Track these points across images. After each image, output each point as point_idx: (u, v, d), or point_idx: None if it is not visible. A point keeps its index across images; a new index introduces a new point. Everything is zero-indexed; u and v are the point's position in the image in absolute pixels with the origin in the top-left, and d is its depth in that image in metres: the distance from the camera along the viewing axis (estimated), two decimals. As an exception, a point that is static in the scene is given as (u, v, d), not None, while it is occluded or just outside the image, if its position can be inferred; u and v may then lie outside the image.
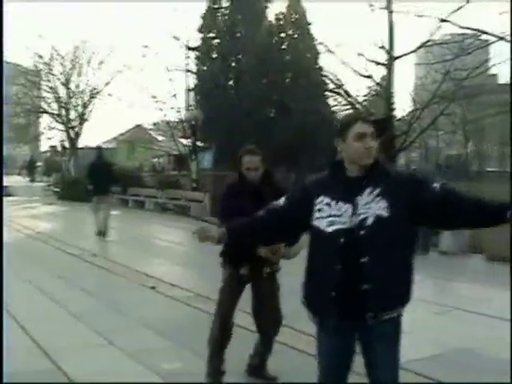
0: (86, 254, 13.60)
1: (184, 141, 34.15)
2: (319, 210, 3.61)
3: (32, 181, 50.97)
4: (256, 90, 30.47)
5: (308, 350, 6.02)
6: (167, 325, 7.73)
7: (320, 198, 3.63)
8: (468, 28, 23.38)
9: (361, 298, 3.47)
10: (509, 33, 18.98)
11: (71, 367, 6.03)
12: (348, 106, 27.80)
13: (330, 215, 3.56)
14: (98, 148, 20.64)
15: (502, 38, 21.16)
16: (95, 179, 17.20)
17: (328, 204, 3.59)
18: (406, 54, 24.14)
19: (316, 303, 3.69)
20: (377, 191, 3.53)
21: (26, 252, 14.11)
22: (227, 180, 5.79)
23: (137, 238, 17.88)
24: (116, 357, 6.52)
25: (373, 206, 3.50)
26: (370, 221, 3.46)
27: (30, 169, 56.49)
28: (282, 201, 3.86)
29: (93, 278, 11.25)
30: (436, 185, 3.56)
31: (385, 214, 3.47)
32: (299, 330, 6.88)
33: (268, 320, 5.50)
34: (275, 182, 5.49)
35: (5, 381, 4.14)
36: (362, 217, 3.48)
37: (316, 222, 3.60)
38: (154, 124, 44.49)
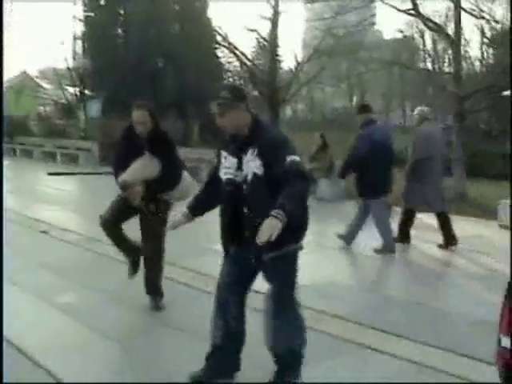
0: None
1: (71, 89, 33.79)
2: (220, 162, 4.40)
3: None
4: (144, 40, 30.41)
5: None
6: (61, 265, 8.27)
7: (222, 153, 4.40)
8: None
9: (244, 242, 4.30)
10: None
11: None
12: (234, 59, 28.30)
13: (225, 167, 4.34)
14: None
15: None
16: None
17: (225, 157, 4.36)
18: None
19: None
20: (255, 151, 4.15)
21: None
22: (120, 132, 6.30)
23: (27, 186, 18.10)
24: (16, 294, 6.99)
25: (251, 164, 4.15)
26: (249, 177, 4.18)
27: None
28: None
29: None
30: (289, 160, 4.03)
31: (259, 172, 4.12)
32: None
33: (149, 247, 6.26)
34: (162, 133, 6.10)
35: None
36: (244, 172, 4.21)
37: (219, 172, 4.40)
38: (40, 71, 43.62)
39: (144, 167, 5.85)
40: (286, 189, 3.92)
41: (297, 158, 4.07)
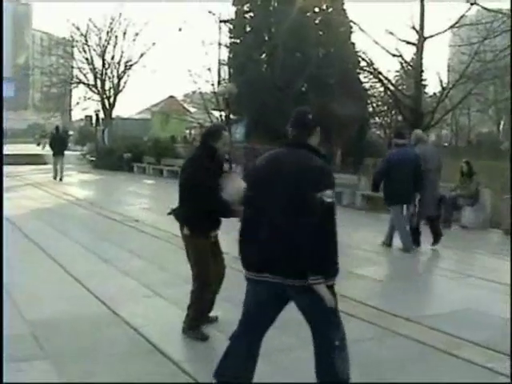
0: (128, 219, 14.47)
1: (217, 113, 34.70)
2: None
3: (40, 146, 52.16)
4: (288, 64, 30.75)
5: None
6: None
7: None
8: (496, 11, 23.67)
9: None
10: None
11: (126, 313, 6.90)
12: (378, 84, 28.17)
13: None
14: (56, 126, 29.66)
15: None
16: (53, 146, 26.90)
17: None
18: (435, 35, 24.35)
19: None
20: None
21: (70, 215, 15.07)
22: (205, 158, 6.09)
23: (172, 205, 18.72)
24: (163, 305, 7.39)
25: None
26: None
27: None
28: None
29: (136, 241, 11.98)
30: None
31: None
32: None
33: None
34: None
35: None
36: None
37: None
38: (187, 96, 45.13)
39: (235, 181, 5.84)
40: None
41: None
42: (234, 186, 5.74)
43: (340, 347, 4.25)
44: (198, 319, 6.24)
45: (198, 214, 5.97)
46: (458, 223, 14.61)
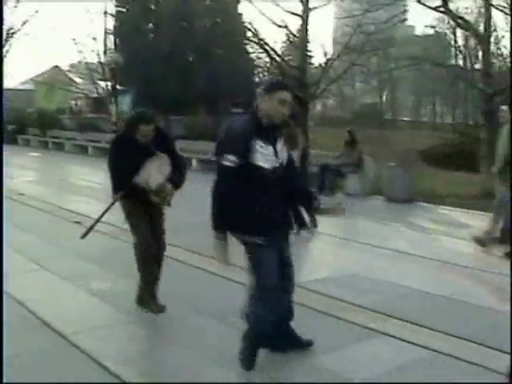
0: (12, 192, 14.12)
1: (103, 83, 34.14)
2: (256, 151, 4.50)
3: None
4: (175, 35, 30.57)
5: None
6: (93, 253, 8.43)
7: (255, 141, 4.49)
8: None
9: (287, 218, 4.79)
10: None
11: (14, 289, 6.80)
12: (264, 54, 28.38)
13: (264, 154, 4.52)
14: None
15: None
16: None
17: (262, 147, 4.53)
18: (319, 7, 24.74)
19: (261, 225, 4.61)
20: (281, 142, 4.66)
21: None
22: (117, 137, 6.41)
23: (59, 178, 18.45)
24: (51, 279, 7.36)
25: (283, 152, 4.67)
26: (284, 162, 4.67)
27: None
28: (231, 158, 4.46)
29: (23, 215, 11.74)
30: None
31: (286, 160, 4.72)
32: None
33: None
34: (161, 130, 6.20)
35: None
36: (280, 159, 4.63)
37: (257, 161, 4.49)
38: (72, 66, 44.02)
39: (160, 166, 5.93)
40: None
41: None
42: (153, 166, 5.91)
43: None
44: (144, 290, 6.23)
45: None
46: (343, 191, 15.09)
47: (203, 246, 7.07)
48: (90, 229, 6.31)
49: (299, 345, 5.13)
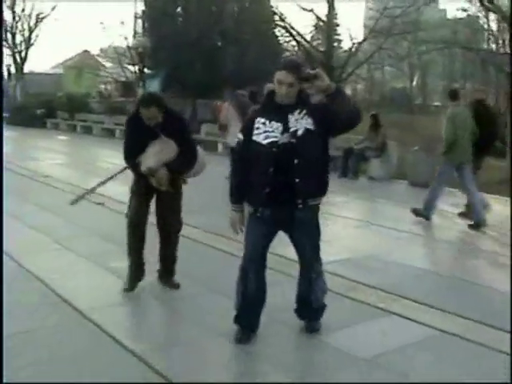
0: (38, 175, 14.35)
1: (131, 67, 34.31)
2: (257, 128, 4.74)
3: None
4: (203, 19, 30.60)
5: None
6: (113, 233, 8.45)
7: (257, 119, 4.77)
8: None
9: (293, 189, 4.66)
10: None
11: (36, 267, 6.98)
12: (290, 38, 28.34)
13: (264, 131, 4.70)
14: None
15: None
16: None
17: (263, 123, 4.73)
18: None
19: (253, 198, 4.83)
20: (304, 112, 4.70)
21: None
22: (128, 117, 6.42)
23: (85, 160, 18.65)
24: (71, 258, 7.51)
25: (302, 121, 4.65)
26: (300, 132, 4.64)
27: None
28: (239, 136, 4.89)
29: (47, 196, 11.98)
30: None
31: (311, 127, 4.65)
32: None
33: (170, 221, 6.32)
34: (174, 113, 6.19)
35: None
36: (293, 129, 4.65)
37: (255, 137, 4.72)
38: (101, 50, 44.27)
39: (162, 150, 5.94)
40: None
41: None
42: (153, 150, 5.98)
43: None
44: (129, 268, 6.34)
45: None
46: (366, 174, 15.10)
47: (221, 227, 7.13)
48: (82, 197, 7.25)
49: (306, 327, 5.29)
